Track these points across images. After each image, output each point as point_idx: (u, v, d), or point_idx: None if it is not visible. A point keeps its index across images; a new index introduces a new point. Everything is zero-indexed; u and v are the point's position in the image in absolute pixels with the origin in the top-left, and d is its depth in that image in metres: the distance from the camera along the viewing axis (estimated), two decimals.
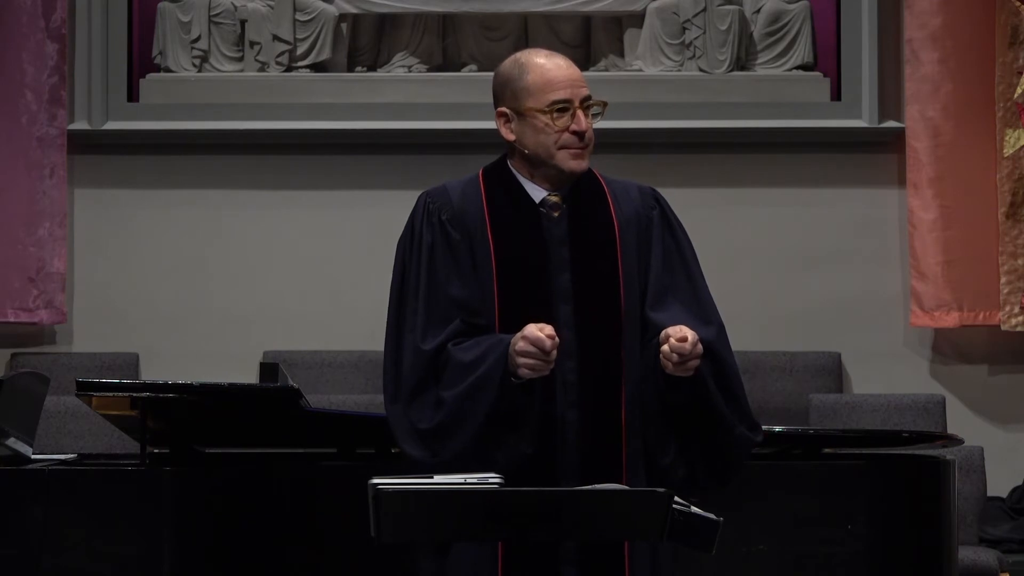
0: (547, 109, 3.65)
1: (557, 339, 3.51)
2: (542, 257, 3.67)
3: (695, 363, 3.55)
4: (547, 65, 3.68)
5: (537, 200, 3.70)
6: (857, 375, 7.50)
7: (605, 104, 3.71)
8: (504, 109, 3.70)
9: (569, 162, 3.67)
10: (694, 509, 3.15)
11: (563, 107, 3.65)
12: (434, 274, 3.65)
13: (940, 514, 4.64)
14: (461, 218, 3.68)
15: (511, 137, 3.69)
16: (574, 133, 3.65)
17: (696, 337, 3.55)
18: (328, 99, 7.56)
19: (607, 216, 3.71)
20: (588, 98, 3.67)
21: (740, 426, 3.68)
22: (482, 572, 3.58)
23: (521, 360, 3.50)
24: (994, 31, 7.36)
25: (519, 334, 3.51)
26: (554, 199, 3.70)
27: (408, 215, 3.75)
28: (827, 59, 7.60)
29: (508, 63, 3.74)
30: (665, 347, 3.53)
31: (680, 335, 3.53)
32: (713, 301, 3.74)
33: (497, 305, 3.63)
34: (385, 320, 3.70)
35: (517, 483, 3.24)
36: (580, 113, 3.65)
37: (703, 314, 3.69)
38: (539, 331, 3.50)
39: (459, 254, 3.66)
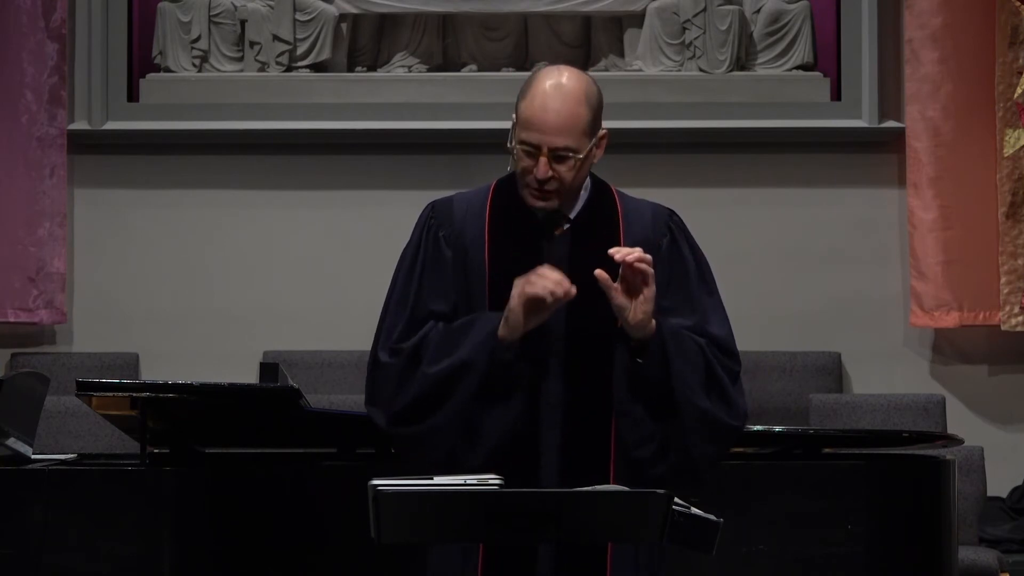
0: (517, 146, 3.53)
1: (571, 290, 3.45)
2: None
3: (647, 268, 3.44)
4: (537, 101, 3.51)
5: (540, 215, 3.59)
6: (857, 375, 7.50)
7: (578, 155, 3.52)
8: (514, 120, 3.59)
9: (530, 199, 3.56)
10: (694, 510, 3.15)
11: (530, 150, 3.52)
12: (420, 290, 3.59)
13: (940, 514, 4.64)
14: (459, 235, 3.60)
15: (508, 148, 3.59)
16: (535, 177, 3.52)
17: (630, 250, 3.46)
18: (328, 99, 7.56)
19: (615, 239, 3.59)
20: (560, 149, 3.50)
21: (719, 411, 3.54)
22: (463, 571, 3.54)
23: (528, 288, 3.44)
24: (994, 31, 7.36)
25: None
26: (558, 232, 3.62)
27: (406, 215, 3.73)
28: (827, 59, 7.60)
29: (531, 74, 3.60)
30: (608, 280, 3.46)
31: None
32: (724, 317, 3.64)
33: None
34: None
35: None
36: (543, 160, 3.49)
37: (701, 318, 3.60)
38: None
39: (448, 272, 3.59)
